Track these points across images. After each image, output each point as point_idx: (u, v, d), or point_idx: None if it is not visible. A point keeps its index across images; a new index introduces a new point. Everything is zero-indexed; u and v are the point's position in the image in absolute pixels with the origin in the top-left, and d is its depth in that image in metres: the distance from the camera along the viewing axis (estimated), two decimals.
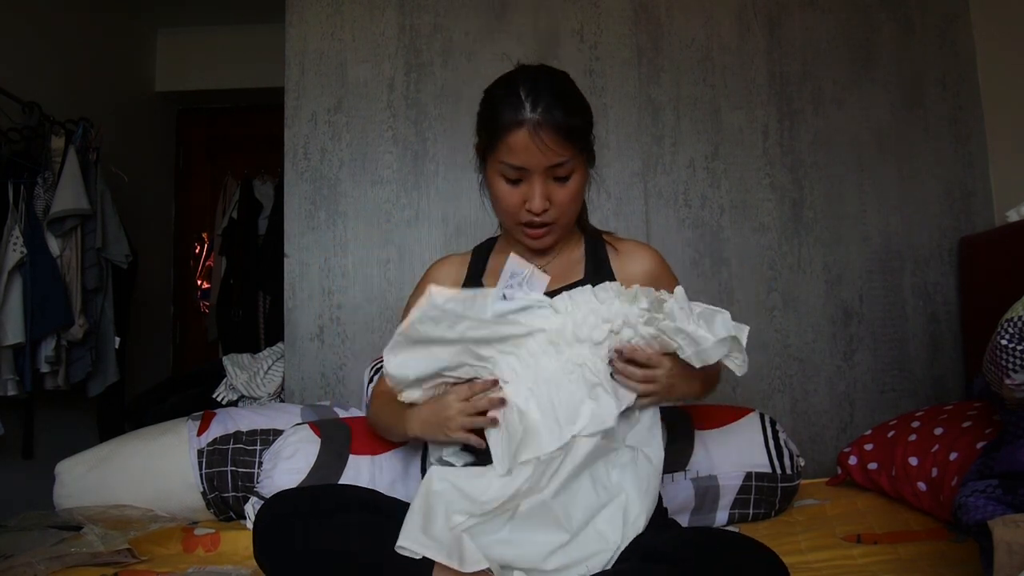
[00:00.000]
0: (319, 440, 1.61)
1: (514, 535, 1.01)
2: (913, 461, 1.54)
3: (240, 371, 2.28)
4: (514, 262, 1.14)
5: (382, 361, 1.88)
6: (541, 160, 1.11)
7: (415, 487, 1.07)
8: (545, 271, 1.26)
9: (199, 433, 1.75)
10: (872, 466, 1.67)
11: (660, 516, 1.17)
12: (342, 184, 2.16)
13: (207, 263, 4.26)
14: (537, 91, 1.11)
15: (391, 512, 1.03)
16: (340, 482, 1.53)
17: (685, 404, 1.56)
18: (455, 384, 1.12)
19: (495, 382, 1.08)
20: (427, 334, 1.09)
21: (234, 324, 3.81)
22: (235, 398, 2.26)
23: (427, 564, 0.96)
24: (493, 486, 1.02)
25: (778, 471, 1.61)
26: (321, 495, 1.06)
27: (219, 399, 2.27)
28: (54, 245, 2.50)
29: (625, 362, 1.06)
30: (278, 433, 1.71)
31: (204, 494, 1.69)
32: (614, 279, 1.24)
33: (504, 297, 1.09)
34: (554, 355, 1.07)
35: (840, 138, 2.15)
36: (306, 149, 2.18)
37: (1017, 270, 1.78)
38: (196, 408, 1.96)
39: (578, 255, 1.29)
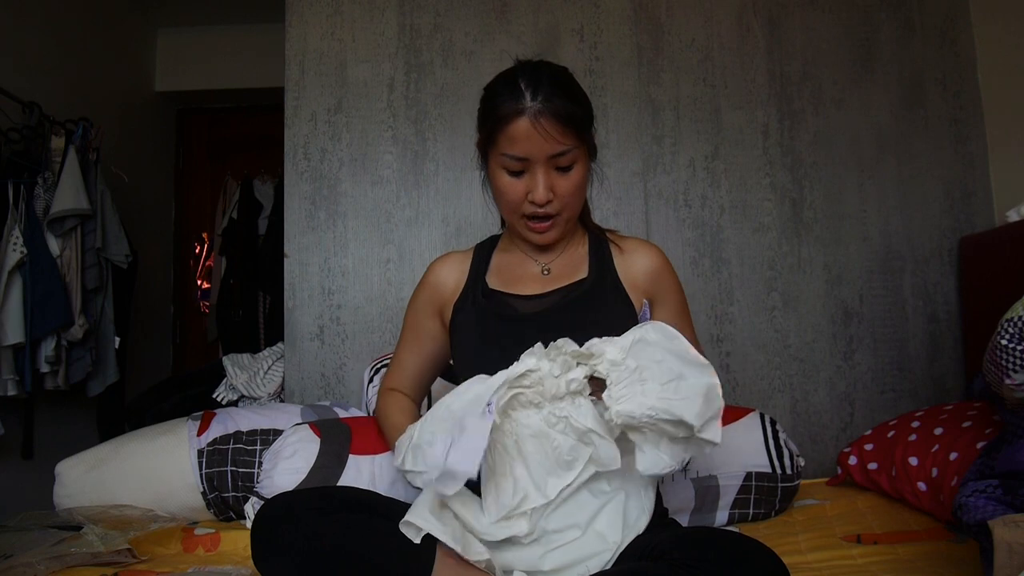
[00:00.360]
0: (319, 440, 1.61)
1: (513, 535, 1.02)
2: (913, 461, 1.54)
3: (240, 371, 2.28)
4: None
5: (382, 361, 1.90)
6: (543, 148, 1.12)
7: (415, 487, 1.06)
8: (549, 269, 1.26)
9: (199, 433, 1.75)
10: (872, 466, 1.67)
11: (660, 516, 1.17)
12: (342, 184, 2.16)
13: (207, 263, 4.27)
14: (537, 81, 1.12)
15: (390, 513, 1.03)
16: (340, 482, 1.53)
17: None
18: None
19: None
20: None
21: (234, 324, 3.81)
22: (235, 398, 2.26)
23: (427, 563, 0.96)
24: (485, 522, 1.02)
25: (778, 471, 1.61)
26: (319, 496, 1.06)
27: (219, 399, 2.27)
28: (54, 245, 2.50)
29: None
30: (278, 433, 1.72)
31: (204, 494, 1.69)
32: (617, 277, 1.24)
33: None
34: (535, 413, 1.04)
35: (840, 138, 2.15)
36: (306, 149, 2.18)
37: (1017, 270, 1.78)
38: (196, 408, 1.96)
39: (582, 253, 1.28)
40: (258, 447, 1.71)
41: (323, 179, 2.16)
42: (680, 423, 0.93)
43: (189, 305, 4.20)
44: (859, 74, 2.17)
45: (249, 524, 1.55)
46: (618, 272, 1.25)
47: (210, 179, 4.18)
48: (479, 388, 1.00)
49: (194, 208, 4.18)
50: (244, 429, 1.76)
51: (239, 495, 1.68)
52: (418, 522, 0.95)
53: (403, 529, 0.96)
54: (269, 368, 2.27)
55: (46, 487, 1.74)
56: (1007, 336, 1.14)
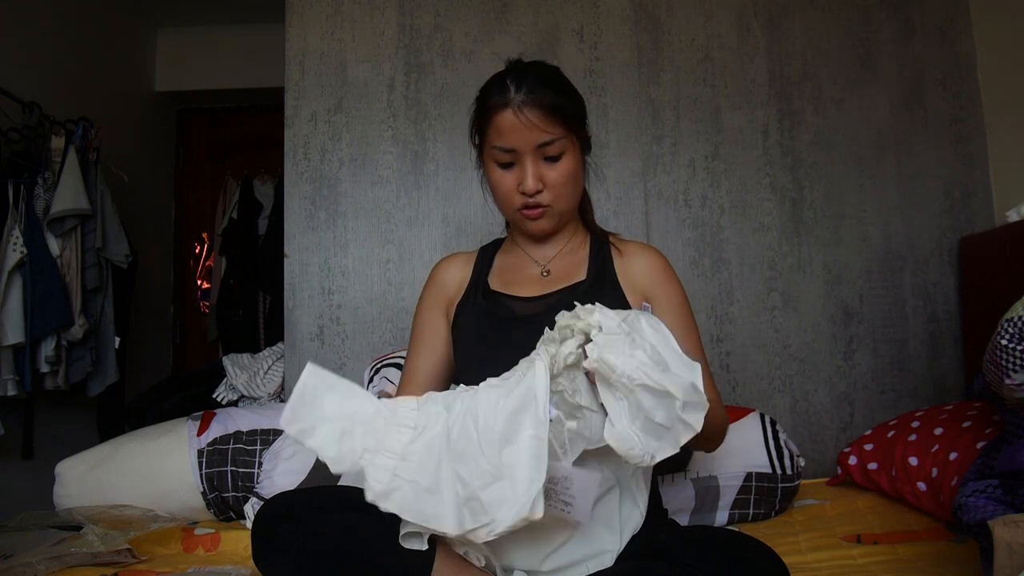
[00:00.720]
0: None
1: (513, 536, 1.01)
2: (913, 461, 1.54)
3: (240, 371, 2.28)
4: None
5: (382, 361, 1.90)
6: (529, 138, 1.14)
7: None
8: (549, 271, 1.26)
9: (199, 433, 1.75)
10: (872, 466, 1.67)
11: (660, 516, 1.17)
12: (342, 184, 2.16)
13: (207, 263, 4.27)
14: (522, 76, 1.15)
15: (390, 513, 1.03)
16: (340, 483, 1.53)
17: None
18: None
19: None
20: None
21: (234, 324, 3.81)
22: (235, 398, 2.26)
23: (427, 563, 0.96)
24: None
25: (778, 471, 1.61)
26: (319, 496, 1.06)
27: (219, 399, 2.27)
28: (54, 245, 2.50)
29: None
30: (278, 433, 1.72)
31: (204, 494, 1.69)
32: (616, 280, 1.24)
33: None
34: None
35: (840, 138, 2.15)
36: (306, 149, 2.18)
37: (1017, 270, 1.78)
38: (196, 408, 1.96)
39: (583, 255, 1.29)
40: (258, 447, 1.71)
41: (323, 179, 2.16)
42: (663, 395, 0.86)
43: (189, 305, 4.19)
44: (859, 74, 2.17)
45: (249, 524, 1.55)
46: (617, 274, 1.25)
47: (210, 179, 4.18)
48: (520, 392, 0.91)
49: (194, 208, 4.18)
50: (244, 429, 1.76)
51: (239, 495, 1.68)
52: (417, 528, 0.93)
53: (405, 543, 0.94)
54: (269, 368, 2.27)
55: (46, 487, 1.74)
56: (1007, 336, 1.14)
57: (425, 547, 0.94)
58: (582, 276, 1.25)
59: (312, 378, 0.97)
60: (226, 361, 2.33)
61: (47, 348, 2.47)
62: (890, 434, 1.69)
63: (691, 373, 0.88)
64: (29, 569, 1.30)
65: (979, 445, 1.40)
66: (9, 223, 2.38)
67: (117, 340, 2.83)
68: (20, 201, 2.44)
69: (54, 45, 2.92)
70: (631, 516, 1.04)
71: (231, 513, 1.70)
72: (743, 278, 2.11)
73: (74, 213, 2.51)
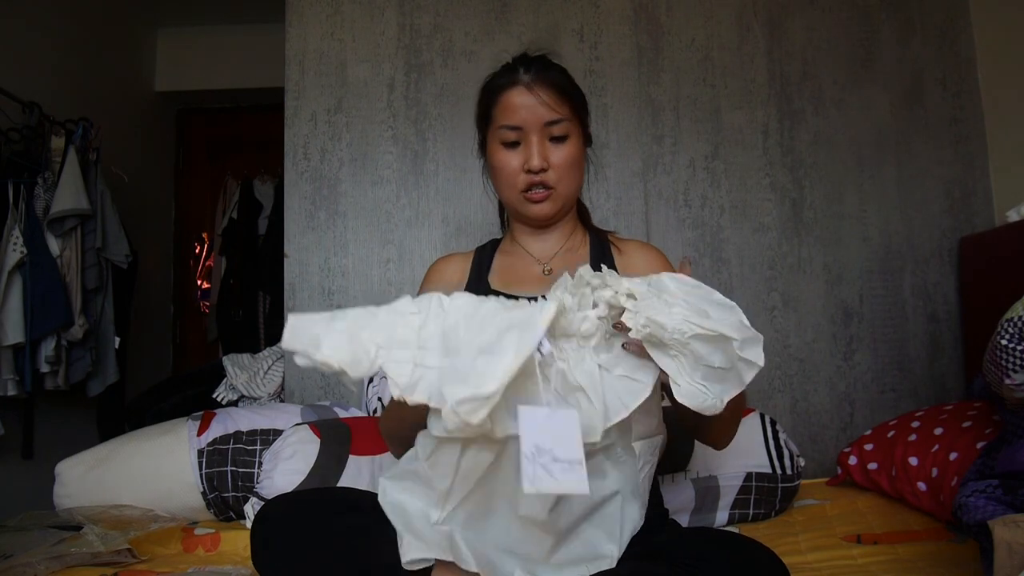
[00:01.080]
0: (319, 440, 1.61)
1: (510, 538, 1.01)
2: (913, 461, 1.54)
3: (240, 371, 2.28)
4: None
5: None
6: (538, 114, 1.16)
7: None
8: (550, 269, 1.26)
9: (199, 433, 1.75)
10: (872, 466, 1.67)
11: (660, 516, 1.17)
12: (342, 184, 2.16)
13: (207, 263, 4.27)
14: (531, 61, 1.20)
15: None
16: (340, 483, 1.53)
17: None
18: None
19: None
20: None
21: (234, 324, 3.82)
22: (235, 398, 2.26)
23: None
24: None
25: (778, 471, 1.61)
26: (318, 498, 1.06)
27: (219, 399, 2.27)
28: (54, 245, 2.50)
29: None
30: (278, 433, 1.72)
31: (204, 494, 1.69)
32: None
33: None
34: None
35: (840, 138, 2.15)
36: (306, 149, 2.18)
37: (1017, 270, 1.78)
38: (196, 408, 1.96)
39: (583, 253, 1.29)
40: (258, 447, 1.71)
41: (323, 179, 2.16)
42: (718, 339, 0.84)
43: (189, 305, 4.20)
44: (859, 74, 2.17)
45: (249, 524, 1.55)
46: (618, 272, 1.25)
47: (210, 179, 4.19)
48: (520, 315, 0.87)
49: (194, 208, 4.18)
50: (244, 429, 1.76)
51: (239, 495, 1.68)
52: (419, 554, 0.91)
53: (409, 568, 0.92)
54: (269, 368, 2.27)
55: (46, 487, 1.74)
56: (1007, 336, 1.14)
57: (431, 564, 0.93)
58: None
59: (298, 318, 0.89)
60: (226, 361, 2.33)
61: (47, 348, 2.47)
62: (890, 434, 1.69)
63: (734, 314, 0.86)
64: (29, 569, 1.30)
65: (979, 445, 1.40)
66: (9, 223, 2.38)
67: (117, 340, 2.83)
68: (20, 201, 2.44)
69: (54, 45, 2.92)
70: (631, 517, 1.04)
71: (231, 513, 1.70)
72: (743, 278, 2.11)
73: (74, 213, 2.51)
